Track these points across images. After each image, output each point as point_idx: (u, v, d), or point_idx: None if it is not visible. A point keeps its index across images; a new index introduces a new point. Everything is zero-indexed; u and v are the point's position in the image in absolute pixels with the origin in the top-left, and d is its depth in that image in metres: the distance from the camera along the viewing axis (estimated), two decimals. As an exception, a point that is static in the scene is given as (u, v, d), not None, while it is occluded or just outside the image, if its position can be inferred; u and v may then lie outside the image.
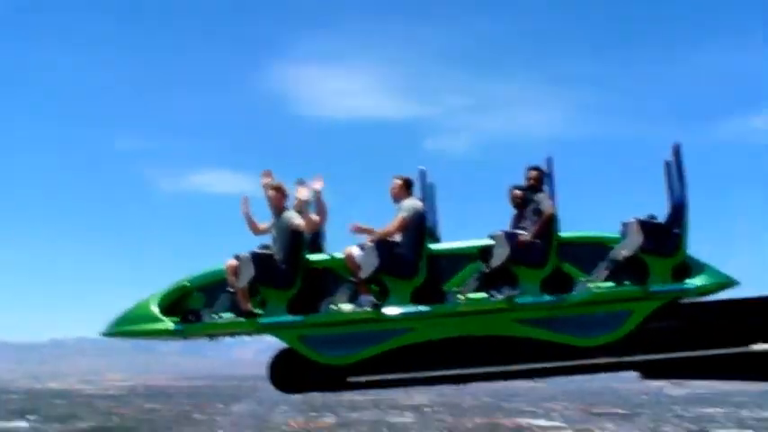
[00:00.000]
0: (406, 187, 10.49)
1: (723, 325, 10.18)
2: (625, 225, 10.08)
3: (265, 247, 10.49)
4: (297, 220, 10.33)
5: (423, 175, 10.65)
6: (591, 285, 9.92)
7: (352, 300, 10.16)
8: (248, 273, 10.10)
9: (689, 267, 10.10)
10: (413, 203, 10.31)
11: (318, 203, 10.68)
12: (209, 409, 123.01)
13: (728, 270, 10.27)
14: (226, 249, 10.85)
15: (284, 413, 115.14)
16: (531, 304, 10.03)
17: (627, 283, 10.01)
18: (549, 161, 10.30)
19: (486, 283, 10.08)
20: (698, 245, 10.26)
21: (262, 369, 10.75)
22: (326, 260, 10.57)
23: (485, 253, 10.13)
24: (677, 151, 10.12)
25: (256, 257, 10.19)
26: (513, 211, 10.70)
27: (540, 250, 10.03)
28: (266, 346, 10.88)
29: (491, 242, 10.14)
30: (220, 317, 10.39)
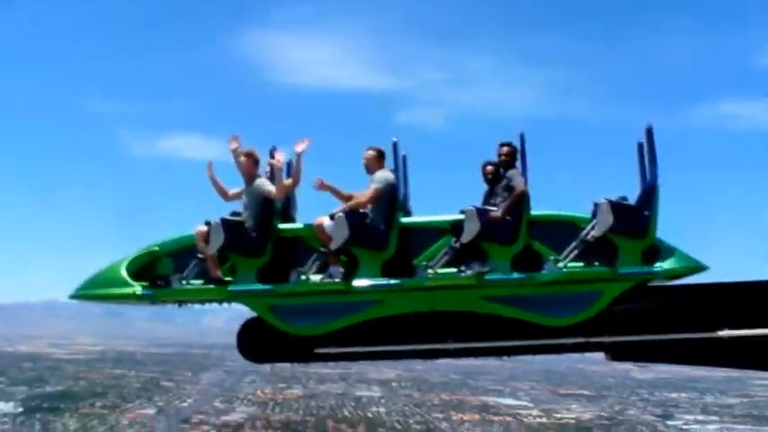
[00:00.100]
0: (379, 159, 10.45)
1: (691, 310, 10.24)
2: (596, 205, 10.09)
3: (236, 214, 10.43)
4: (268, 187, 10.25)
5: (396, 147, 10.58)
6: (560, 265, 9.95)
7: (321, 270, 10.14)
8: (218, 239, 10.03)
9: (658, 250, 10.15)
10: (386, 175, 10.27)
11: (296, 167, 10.38)
12: (178, 377, 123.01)
13: (698, 255, 10.35)
14: (198, 215, 10.78)
15: (252, 383, 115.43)
16: (500, 281, 10.03)
17: (596, 263, 10.06)
18: (522, 138, 10.28)
19: (457, 258, 10.08)
20: (668, 228, 10.34)
21: (232, 338, 10.73)
22: (297, 229, 10.54)
23: (456, 228, 10.10)
24: (649, 133, 10.15)
25: (227, 224, 10.12)
26: (485, 187, 10.70)
27: (510, 227, 10.02)
28: (237, 314, 10.85)
29: (462, 217, 10.11)
30: (190, 283, 10.35)
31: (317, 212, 10.37)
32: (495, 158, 10.60)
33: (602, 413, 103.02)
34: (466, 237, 9.96)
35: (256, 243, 10.17)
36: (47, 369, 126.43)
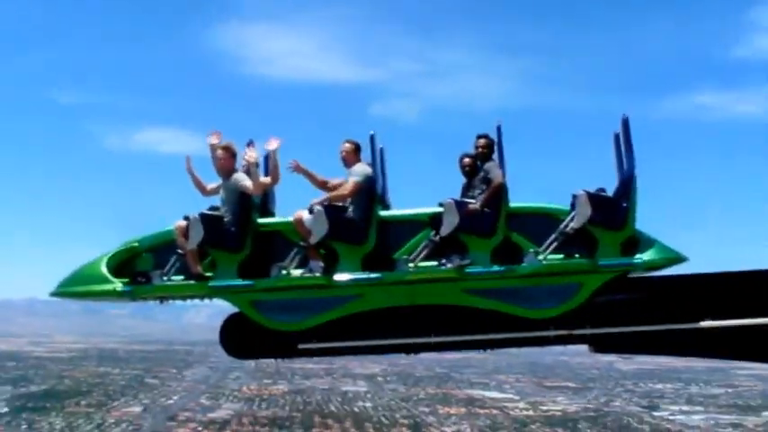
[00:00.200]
0: (357, 152, 10.44)
1: (672, 301, 10.28)
2: (575, 197, 10.10)
3: (215, 208, 10.40)
4: (246, 182, 10.19)
5: (373, 139, 10.54)
6: (540, 257, 9.97)
7: (302, 265, 10.13)
8: (198, 235, 9.99)
9: (638, 241, 10.16)
10: (364, 168, 10.27)
11: (273, 165, 10.34)
12: (162, 374, 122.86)
13: (676, 245, 10.38)
14: (176, 210, 10.75)
15: (238, 380, 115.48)
16: (481, 274, 10.03)
17: (576, 255, 10.08)
18: (499, 129, 10.27)
19: (437, 251, 10.08)
20: (647, 219, 10.37)
21: (214, 334, 10.69)
22: (276, 223, 10.52)
23: (435, 221, 10.09)
24: (626, 124, 10.18)
25: (206, 219, 10.08)
26: (463, 180, 10.71)
27: (489, 220, 10.02)
28: (219, 310, 10.83)
29: (441, 210, 10.10)
30: (170, 279, 10.31)
31: (295, 206, 10.34)
32: (472, 150, 10.61)
33: (589, 405, 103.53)
34: (445, 230, 9.95)
35: (236, 238, 10.13)
36: (30, 368, 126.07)
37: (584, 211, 9.89)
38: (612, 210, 10.03)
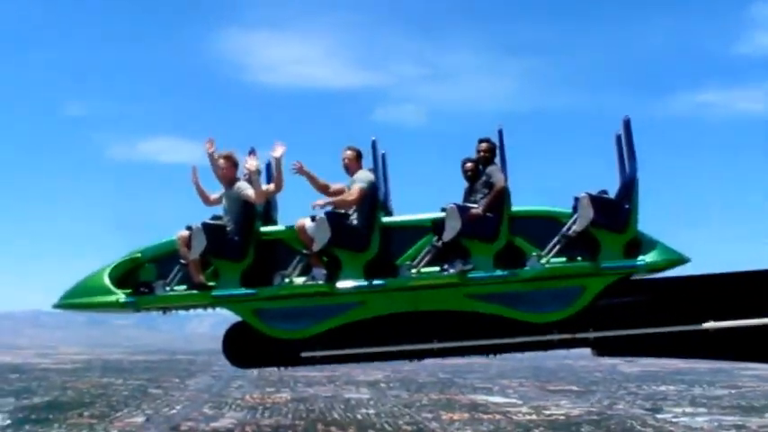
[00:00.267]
0: (359, 158, 10.44)
1: (675, 302, 10.27)
2: (577, 200, 10.09)
3: (217, 218, 10.40)
4: (248, 191, 10.15)
5: (374, 145, 10.54)
6: (543, 260, 9.96)
7: (305, 272, 10.12)
8: (200, 244, 9.98)
9: (640, 243, 10.14)
10: (367, 175, 10.26)
11: (277, 172, 10.28)
12: (166, 384, 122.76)
13: (679, 244, 10.38)
14: (179, 219, 10.74)
15: (241, 388, 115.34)
16: (484, 279, 10.02)
17: (579, 258, 10.07)
18: (500, 133, 10.25)
19: (439, 256, 10.07)
20: (650, 217, 10.37)
21: (217, 343, 10.73)
22: (279, 231, 10.51)
23: (437, 226, 10.08)
24: (627, 125, 10.16)
25: (208, 228, 10.08)
26: (465, 184, 10.70)
27: (491, 224, 10.00)
28: (222, 319, 10.84)
29: (443, 215, 10.08)
30: (173, 289, 10.31)
31: (298, 213, 10.35)
32: (474, 155, 10.59)
33: (592, 408, 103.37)
34: (448, 235, 9.94)
35: (238, 247, 10.13)
36: (33, 380, 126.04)
37: (587, 213, 9.87)
38: (615, 212, 10.02)
